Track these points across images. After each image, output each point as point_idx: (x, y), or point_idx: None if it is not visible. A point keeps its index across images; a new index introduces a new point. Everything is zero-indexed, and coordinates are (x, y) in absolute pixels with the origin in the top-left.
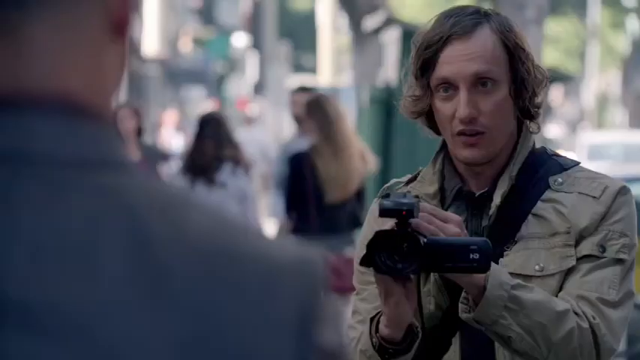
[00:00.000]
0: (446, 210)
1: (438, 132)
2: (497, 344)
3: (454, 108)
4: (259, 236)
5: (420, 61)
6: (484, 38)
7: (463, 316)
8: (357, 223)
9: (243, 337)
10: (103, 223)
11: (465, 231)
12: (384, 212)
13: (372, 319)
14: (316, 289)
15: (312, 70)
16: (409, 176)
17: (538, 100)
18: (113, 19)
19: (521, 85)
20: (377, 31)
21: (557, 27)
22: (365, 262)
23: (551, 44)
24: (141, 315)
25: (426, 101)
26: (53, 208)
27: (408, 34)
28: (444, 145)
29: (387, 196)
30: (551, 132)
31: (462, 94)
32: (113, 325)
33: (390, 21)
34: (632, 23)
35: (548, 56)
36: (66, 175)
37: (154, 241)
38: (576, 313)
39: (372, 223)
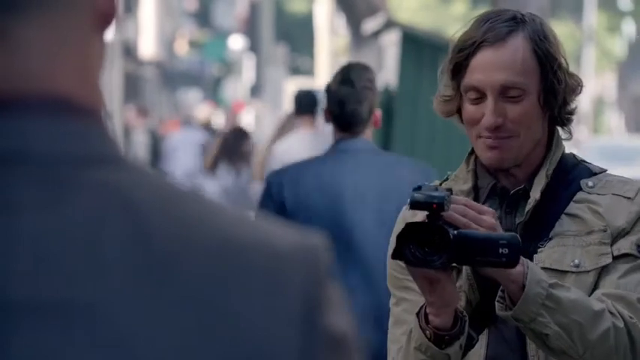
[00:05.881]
0: None
1: None
2: (528, 342)
3: (481, 113)
4: (260, 226)
5: (452, 64)
6: (515, 47)
7: (501, 313)
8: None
9: (249, 326)
10: (104, 219)
11: (499, 224)
12: (414, 205)
13: (417, 315)
14: (320, 275)
15: (310, 72)
16: (438, 182)
17: (570, 107)
18: (99, 10)
19: (551, 94)
20: (376, 33)
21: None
22: (395, 254)
23: None
24: (148, 306)
25: (455, 103)
26: (53, 206)
27: (407, 36)
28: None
29: (418, 189)
30: None
31: (489, 103)
32: (121, 317)
33: (390, 23)
34: (628, 27)
35: None
36: (63, 174)
37: (156, 234)
38: (611, 313)
39: (407, 218)
